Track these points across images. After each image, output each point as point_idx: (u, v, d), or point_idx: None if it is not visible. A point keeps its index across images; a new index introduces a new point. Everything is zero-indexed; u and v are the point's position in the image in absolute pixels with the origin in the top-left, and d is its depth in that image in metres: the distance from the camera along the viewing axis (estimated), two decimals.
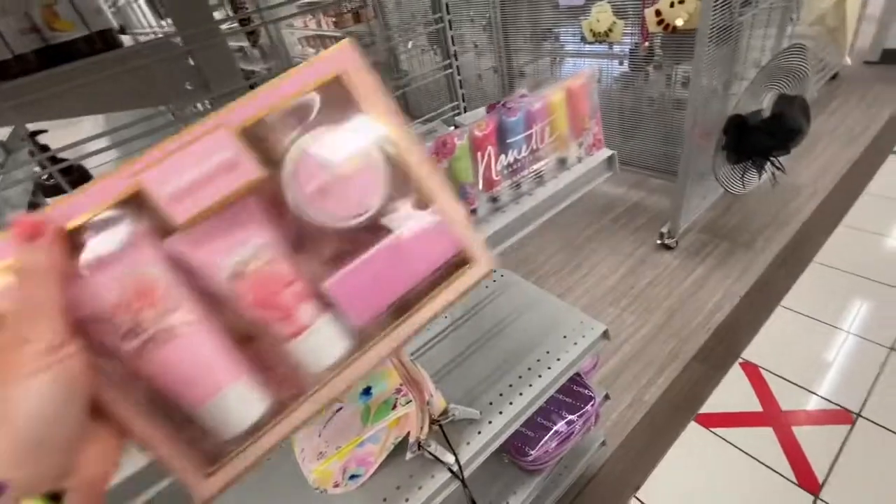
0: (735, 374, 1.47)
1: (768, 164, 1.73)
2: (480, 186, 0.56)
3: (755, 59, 2.00)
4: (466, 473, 0.75)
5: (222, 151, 0.25)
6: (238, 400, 0.26)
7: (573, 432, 0.98)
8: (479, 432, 0.78)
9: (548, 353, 0.89)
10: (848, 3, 2.36)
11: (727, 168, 1.75)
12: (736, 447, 1.28)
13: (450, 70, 0.96)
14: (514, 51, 2.52)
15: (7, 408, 0.17)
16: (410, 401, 0.68)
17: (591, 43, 2.12)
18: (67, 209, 0.23)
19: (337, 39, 4.20)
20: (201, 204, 0.24)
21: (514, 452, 0.98)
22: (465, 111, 0.99)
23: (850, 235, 1.91)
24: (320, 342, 0.27)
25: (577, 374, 1.04)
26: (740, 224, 2.10)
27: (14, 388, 0.17)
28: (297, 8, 3.48)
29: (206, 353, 0.25)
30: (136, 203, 0.24)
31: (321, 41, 4.38)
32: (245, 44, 5.17)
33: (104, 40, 0.64)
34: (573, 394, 1.02)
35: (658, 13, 1.78)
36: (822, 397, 1.36)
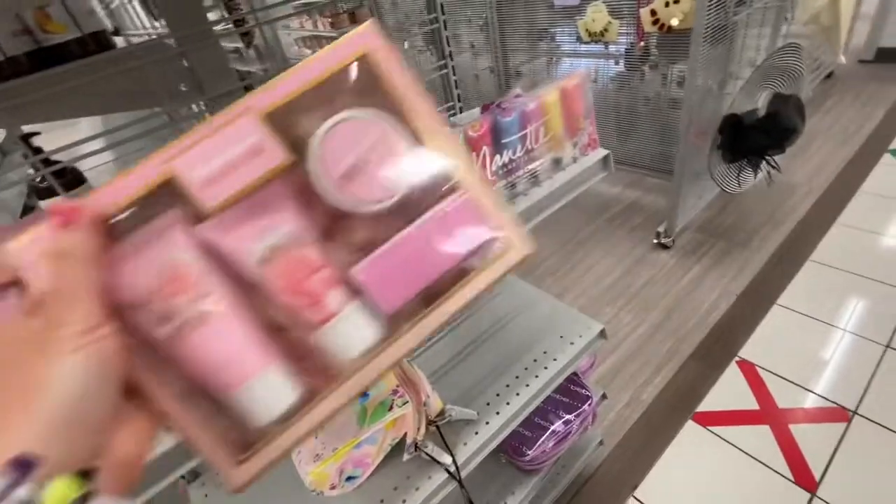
0: (732, 373, 1.47)
1: (764, 163, 1.73)
2: None
3: (750, 58, 2.01)
4: (464, 474, 0.75)
5: (249, 137, 0.25)
6: (269, 387, 0.26)
7: (570, 432, 0.98)
8: (477, 433, 0.78)
9: (545, 353, 0.89)
10: (842, 1, 2.37)
11: (723, 167, 1.76)
12: (733, 445, 1.28)
13: (445, 70, 0.96)
14: (511, 51, 2.52)
15: (44, 387, 0.18)
16: (407, 402, 0.68)
17: (586, 43, 2.12)
18: (104, 196, 0.24)
19: (333, 40, 4.21)
20: (230, 190, 0.25)
21: (511, 452, 0.98)
22: (462, 111, 0.99)
23: (845, 234, 1.92)
24: (349, 329, 0.27)
25: (575, 374, 1.04)
26: (736, 223, 2.10)
27: (50, 368, 0.18)
28: (294, 9, 3.47)
29: (238, 338, 0.25)
30: (169, 189, 0.25)
31: (317, 42, 4.38)
32: (241, 45, 5.16)
33: (97, 42, 0.63)
34: (570, 393, 1.02)
35: (653, 13, 1.79)
36: (818, 395, 1.36)
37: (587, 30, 2.05)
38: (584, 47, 2.18)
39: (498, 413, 0.80)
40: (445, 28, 0.91)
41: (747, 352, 1.53)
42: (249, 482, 0.26)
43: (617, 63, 2.17)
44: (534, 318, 0.96)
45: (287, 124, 0.26)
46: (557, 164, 0.64)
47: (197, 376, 0.25)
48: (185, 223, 0.25)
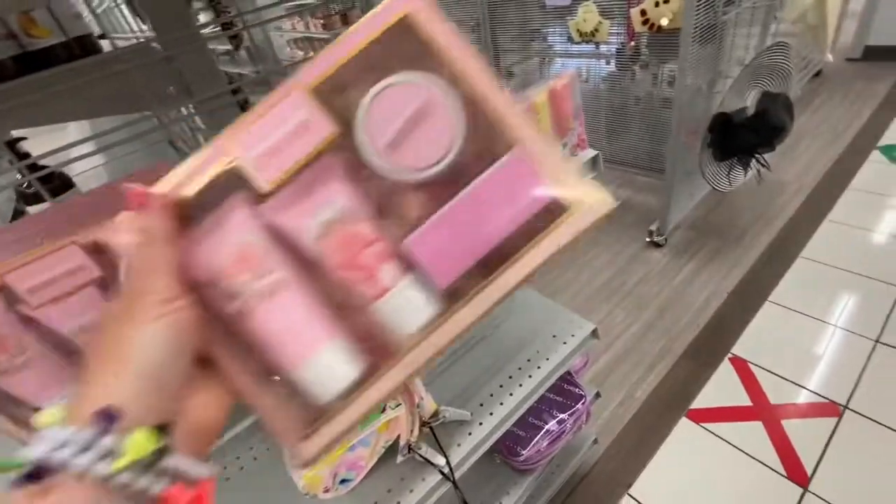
0: (725, 370, 1.48)
1: (753, 161, 1.75)
2: None
3: (740, 57, 2.02)
4: (458, 475, 0.75)
5: (297, 113, 0.25)
6: (330, 363, 0.26)
7: (564, 431, 0.99)
8: (470, 433, 0.78)
9: (537, 352, 0.89)
10: (828, 1, 2.40)
11: (713, 166, 1.77)
12: (726, 442, 1.29)
13: None
14: (503, 51, 2.53)
15: (129, 349, 0.20)
16: (400, 404, 0.68)
17: (578, 43, 2.13)
18: (178, 180, 0.26)
19: (325, 42, 4.19)
20: (283, 167, 0.25)
21: (505, 452, 0.98)
22: None
23: (834, 230, 1.94)
24: (403, 305, 0.26)
25: (568, 373, 1.05)
26: (728, 221, 2.12)
27: (135, 333, 0.20)
28: (286, 10, 3.46)
29: (299, 315, 0.26)
30: (232, 172, 0.26)
31: (310, 43, 4.37)
32: (242, 46, 5.13)
33: (82, 46, 0.63)
34: (564, 392, 1.03)
35: (643, 13, 1.80)
36: (809, 390, 1.38)
37: (578, 30, 2.05)
38: (575, 47, 2.19)
39: (492, 413, 0.80)
40: None
41: (739, 348, 1.54)
42: (316, 457, 0.26)
43: (608, 63, 2.18)
44: (526, 318, 0.97)
45: (335, 96, 0.26)
46: None
47: (264, 352, 0.26)
48: (249, 204, 0.26)
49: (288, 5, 3.31)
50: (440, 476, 0.74)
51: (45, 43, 0.62)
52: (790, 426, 1.30)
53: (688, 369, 1.52)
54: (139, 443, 0.18)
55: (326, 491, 0.68)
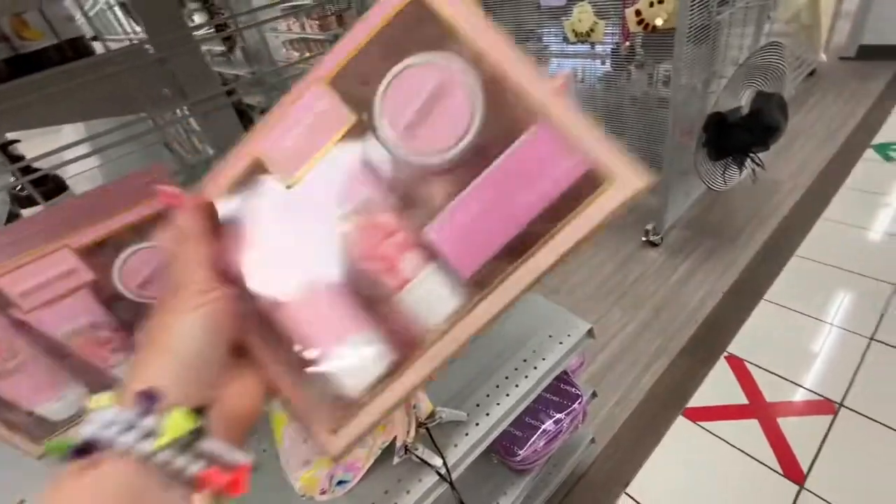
0: (721, 368, 1.49)
1: (748, 160, 1.75)
2: None
3: (734, 57, 2.03)
4: (454, 475, 0.75)
5: (317, 105, 0.26)
6: (357, 355, 0.26)
7: (561, 431, 0.99)
8: (467, 434, 0.78)
9: (534, 352, 0.89)
10: (821, 0, 2.41)
11: (708, 165, 1.78)
12: (723, 440, 1.30)
13: None
14: None
15: (170, 337, 0.22)
16: None
17: (573, 43, 2.13)
18: (211, 184, 0.28)
19: (322, 42, 4.17)
20: (306, 160, 0.26)
21: (502, 452, 0.99)
22: None
23: (829, 229, 1.95)
24: (425, 295, 0.25)
25: (565, 373, 1.05)
26: (723, 220, 2.13)
27: (175, 321, 0.22)
28: (281, 11, 3.45)
29: (326, 307, 0.26)
30: (261, 167, 0.27)
31: (306, 44, 4.36)
32: (236, 47, 5.12)
33: (74, 48, 0.63)
34: (560, 392, 1.03)
35: (638, 13, 1.80)
36: (805, 388, 1.38)
37: (573, 30, 2.06)
38: (570, 48, 2.20)
39: (488, 414, 0.80)
40: None
41: (735, 347, 1.54)
42: (345, 451, 0.26)
43: (603, 63, 2.18)
44: (522, 318, 0.97)
45: (353, 85, 0.25)
46: None
47: (294, 344, 0.26)
48: (280, 199, 0.27)
49: (283, 6, 3.30)
50: (437, 477, 0.74)
51: (37, 45, 0.62)
52: (786, 424, 1.30)
53: (684, 368, 1.52)
54: (177, 422, 0.19)
55: (323, 493, 0.68)
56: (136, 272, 0.44)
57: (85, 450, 0.18)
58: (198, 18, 3.95)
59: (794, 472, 1.20)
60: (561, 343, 0.89)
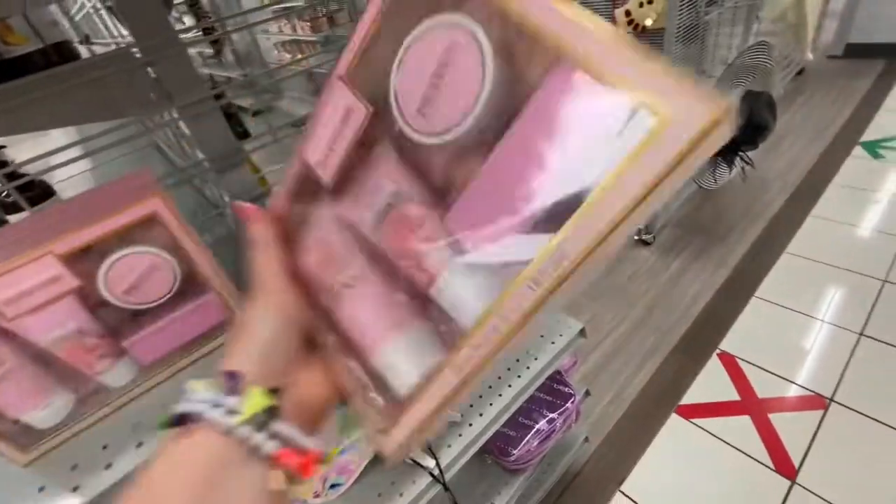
0: (713, 365, 1.50)
1: (738, 158, 1.77)
2: None
3: (723, 56, 2.05)
4: (448, 476, 0.75)
5: (341, 103, 0.26)
6: (400, 355, 0.25)
7: (554, 430, 0.99)
8: (460, 435, 0.78)
9: (526, 352, 0.89)
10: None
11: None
12: (715, 437, 1.31)
13: None
14: None
15: (249, 327, 0.25)
16: None
17: None
18: (275, 197, 0.30)
19: (313, 44, 4.16)
20: (337, 160, 0.26)
21: (496, 453, 0.99)
22: None
23: (819, 226, 1.97)
24: (452, 291, 0.22)
25: (557, 372, 1.05)
26: (715, 218, 2.15)
27: (252, 314, 0.25)
28: (273, 13, 3.44)
29: (371, 307, 0.26)
30: (308, 174, 0.28)
31: (297, 46, 4.35)
32: (223, 50, 5.10)
33: (59, 53, 0.62)
34: (553, 392, 1.03)
35: (628, 13, 1.81)
36: (796, 384, 1.39)
37: None
38: None
39: (481, 414, 0.81)
40: None
41: (727, 344, 1.56)
42: (398, 452, 0.25)
43: None
44: None
45: (370, 75, 0.25)
46: None
47: (350, 342, 0.26)
48: (326, 202, 0.27)
49: (274, 8, 3.29)
50: (430, 478, 0.74)
51: (21, 50, 0.61)
52: (777, 420, 1.31)
53: (676, 366, 1.53)
54: (255, 399, 0.22)
55: (317, 496, 0.68)
56: (122, 278, 0.44)
57: (181, 421, 0.21)
58: (187, 21, 3.93)
59: (785, 467, 1.21)
60: (553, 343, 0.90)
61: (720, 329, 1.61)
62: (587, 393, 1.08)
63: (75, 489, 0.45)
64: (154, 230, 0.46)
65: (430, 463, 0.74)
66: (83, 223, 0.41)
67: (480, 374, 0.22)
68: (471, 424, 0.79)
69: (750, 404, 1.37)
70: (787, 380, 1.41)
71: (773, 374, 1.44)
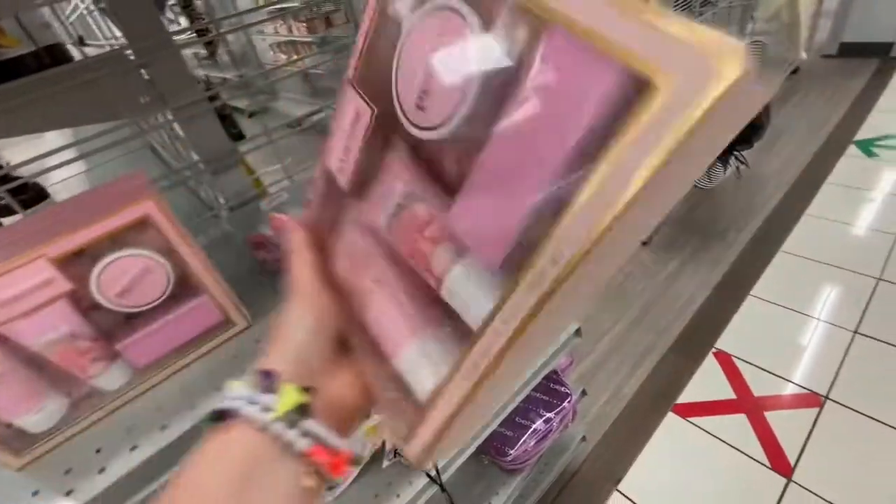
0: (709, 364, 1.51)
1: (732, 158, 1.78)
2: None
3: None
4: (445, 477, 0.75)
5: (349, 106, 0.26)
6: (419, 358, 0.24)
7: (551, 430, 0.99)
8: None
9: None
10: None
11: None
12: (712, 435, 1.31)
13: None
14: None
15: (284, 328, 0.26)
16: None
17: None
18: (307, 209, 0.31)
19: (309, 45, 4.15)
20: (351, 164, 0.26)
21: (493, 453, 0.99)
22: None
23: (813, 224, 1.98)
24: (458, 292, 0.21)
25: (554, 372, 1.05)
26: (711, 218, 2.15)
27: (288, 316, 0.26)
28: (268, 14, 3.44)
29: (391, 311, 0.25)
30: (331, 180, 0.29)
31: (293, 47, 4.34)
32: (217, 52, 5.08)
33: (52, 55, 0.62)
34: (550, 391, 1.03)
35: None
36: (791, 382, 1.40)
37: None
38: None
39: None
40: None
41: (723, 343, 1.56)
42: (422, 458, 0.24)
43: None
44: None
45: (372, 75, 0.24)
46: None
47: (377, 346, 0.26)
48: (350, 208, 0.28)
49: (270, 9, 3.29)
50: (427, 479, 0.74)
51: (13, 53, 0.61)
52: (773, 418, 1.32)
53: (673, 365, 1.53)
54: (289, 395, 0.23)
55: None
56: (115, 281, 0.43)
57: (220, 417, 0.22)
58: (183, 22, 3.92)
59: (781, 465, 1.21)
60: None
61: (716, 328, 1.62)
62: (584, 392, 1.08)
63: (69, 493, 0.45)
64: (147, 233, 0.46)
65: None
66: (75, 226, 0.41)
67: (491, 380, 0.20)
68: None
69: (746, 402, 1.37)
70: (782, 378, 1.42)
71: (768, 372, 1.44)
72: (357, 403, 0.26)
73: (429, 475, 0.74)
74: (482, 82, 0.18)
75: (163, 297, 0.48)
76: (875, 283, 1.64)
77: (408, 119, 0.22)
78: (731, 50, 0.11)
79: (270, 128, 0.83)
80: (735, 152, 1.76)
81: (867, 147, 2.37)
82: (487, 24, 0.18)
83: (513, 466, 1.00)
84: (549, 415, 1.00)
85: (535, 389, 0.91)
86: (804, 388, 1.38)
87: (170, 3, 3.53)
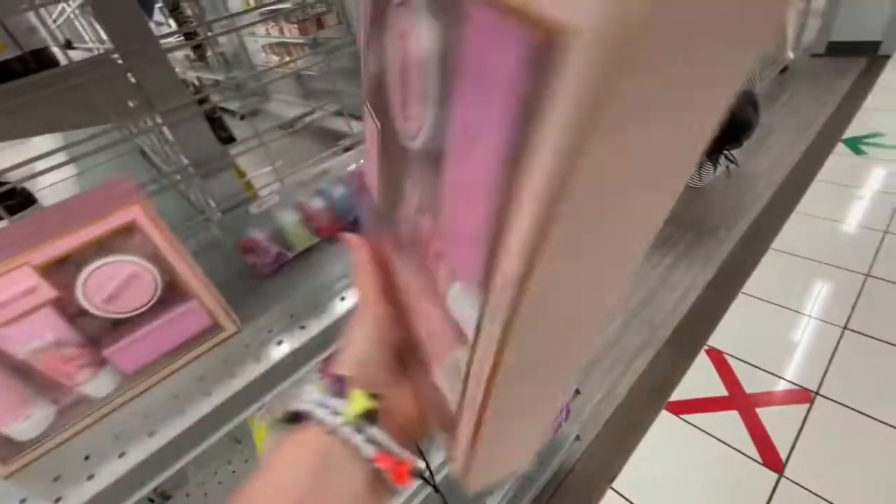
0: (701, 361, 1.52)
1: (722, 157, 1.79)
2: None
3: None
4: (439, 478, 0.75)
5: (368, 124, 0.27)
6: (454, 371, 0.21)
7: None
8: None
9: None
10: None
11: None
12: (704, 432, 1.32)
13: None
14: None
15: (351, 338, 0.27)
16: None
17: None
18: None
19: (301, 46, 4.13)
20: (375, 177, 0.27)
21: None
22: None
23: (803, 222, 2.00)
24: (455, 304, 0.19)
25: None
26: (703, 215, 2.17)
27: (354, 327, 0.28)
28: (260, 15, 3.42)
29: (431, 324, 0.24)
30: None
31: (285, 48, 4.33)
32: (207, 54, 5.05)
33: (38, 60, 0.61)
34: None
35: None
36: (782, 378, 1.42)
37: None
38: None
39: None
40: None
41: (715, 340, 1.57)
42: (464, 472, 0.23)
43: None
44: None
45: (375, 88, 0.24)
46: None
47: (425, 363, 0.26)
48: (388, 224, 0.28)
49: (261, 11, 3.28)
50: (420, 480, 0.74)
51: None
52: (764, 414, 1.33)
53: (666, 362, 1.54)
54: (358, 400, 0.23)
55: None
56: (101, 287, 0.43)
57: (295, 419, 0.23)
58: (173, 25, 3.89)
59: (773, 460, 1.22)
60: None
61: (708, 325, 1.63)
62: (577, 391, 1.09)
63: (57, 500, 0.45)
64: (134, 238, 0.45)
65: (421, 464, 0.74)
66: (60, 233, 0.41)
67: (494, 393, 0.18)
68: None
69: (738, 399, 1.39)
70: (773, 374, 1.43)
71: (759, 368, 1.46)
72: (414, 417, 0.27)
73: (422, 476, 0.74)
74: (438, 80, 0.16)
75: (150, 303, 0.48)
76: (864, 279, 1.66)
77: (400, 131, 0.21)
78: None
79: (262, 130, 0.82)
80: (725, 151, 1.77)
81: (855, 145, 2.40)
82: (434, 13, 0.16)
83: None
84: None
85: None
86: (795, 384, 1.39)
87: (158, 5, 3.51)
